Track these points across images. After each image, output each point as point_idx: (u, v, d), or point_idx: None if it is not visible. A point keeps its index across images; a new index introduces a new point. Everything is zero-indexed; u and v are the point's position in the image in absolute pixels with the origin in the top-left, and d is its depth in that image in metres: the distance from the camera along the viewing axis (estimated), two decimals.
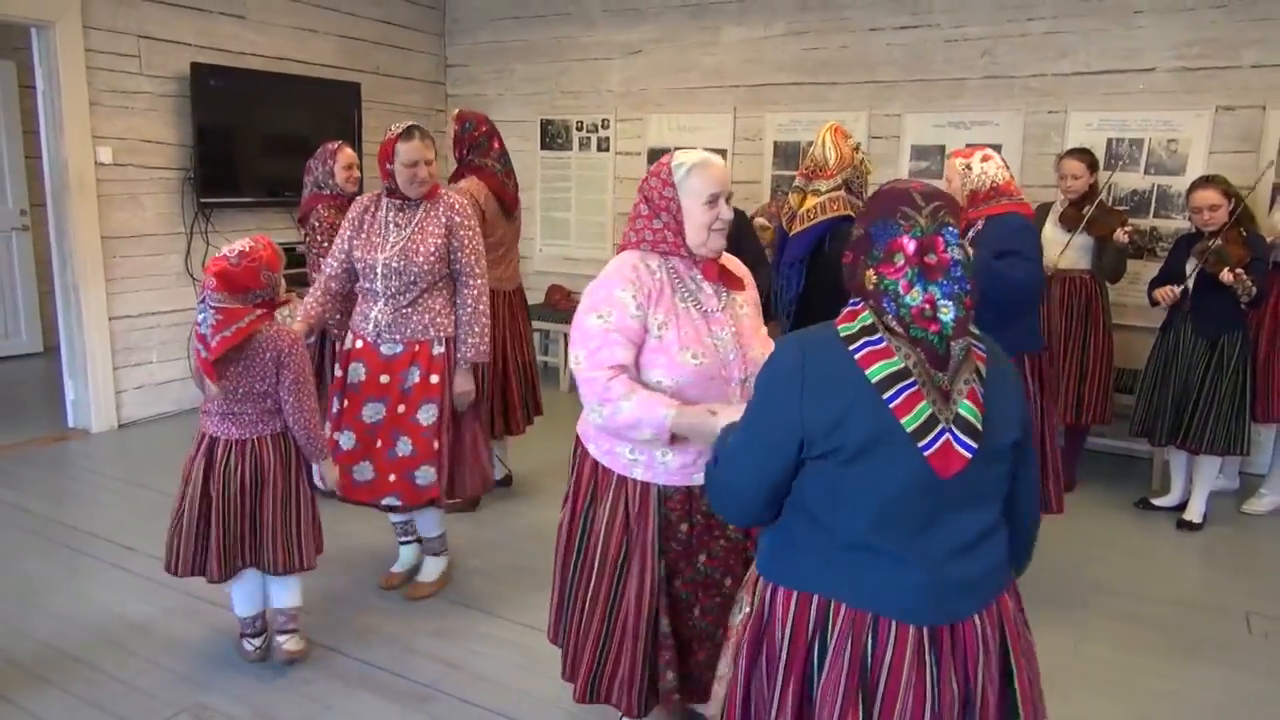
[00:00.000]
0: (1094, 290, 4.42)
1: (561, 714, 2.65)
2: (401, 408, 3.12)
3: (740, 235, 4.73)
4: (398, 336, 3.11)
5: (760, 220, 5.33)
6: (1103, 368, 4.44)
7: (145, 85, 5.25)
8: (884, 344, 1.43)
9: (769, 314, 2.81)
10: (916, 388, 1.41)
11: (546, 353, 6.91)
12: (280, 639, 2.90)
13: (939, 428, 1.41)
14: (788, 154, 5.93)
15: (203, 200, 5.51)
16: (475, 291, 3.18)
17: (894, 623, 1.44)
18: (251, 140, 5.73)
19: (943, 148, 5.41)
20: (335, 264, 3.20)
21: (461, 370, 3.17)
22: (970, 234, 3.28)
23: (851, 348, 1.44)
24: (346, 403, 3.15)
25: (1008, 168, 3.33)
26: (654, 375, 1.99)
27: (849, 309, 1.51)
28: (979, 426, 1.42)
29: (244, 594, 2.86)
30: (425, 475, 3.14)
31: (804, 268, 3.31)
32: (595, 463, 2.14)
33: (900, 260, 1.43)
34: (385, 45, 6.69)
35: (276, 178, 5.82)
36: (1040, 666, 1.63)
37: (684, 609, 2.12)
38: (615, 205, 6.62)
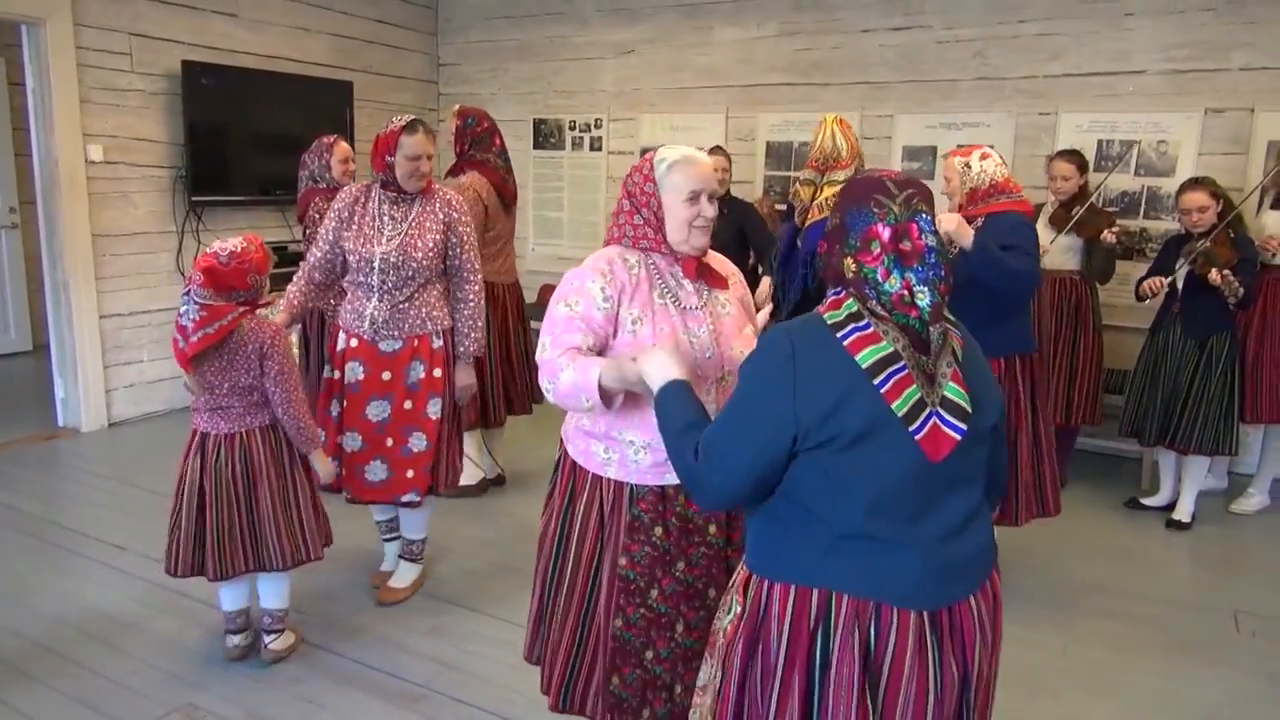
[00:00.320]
0: (1084, 291, 4.45)
1: (554, 714, 2.65)
2: (409, 404, 3.12)
3: (747, 227, 4.77)
4: (396, 332, 3.09)
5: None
6: (1092, 368, 4.46)
7: (136, 83, 5.23)
8: (872, 329, 1.44)
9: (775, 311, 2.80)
10: (906, 371, 1.42)
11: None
12: (266, 639, 2.90)
13: (927, 411, 1.43)
14: (780, 154, 5.94)
15: (194, 199, 5.49)
16: (476, 287, 3.21)
17: (896, 610, 1.44)
18: (243, 139, 5.71)
19: (934, 148, 5.43)
20: (319, 254, 3.13)
21: (463, 365, 3.21)
22: None
23: (840, 335, 1.45)
24: (347, 403, 3.11)
25: (1006, 165, 3.35)
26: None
27: (832, 298, 1.52)
28: (967, 408, 1.45)
29: (231, 589, 2.85)
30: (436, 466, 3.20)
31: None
32: (573, 464, 2.11)
33: (877, 248, 1.45)
34: (378, 44, 6.68)
35: (268, 176, 5.80)
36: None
37: (664, 626, 2.00)
38: (608, 205, 6.62)
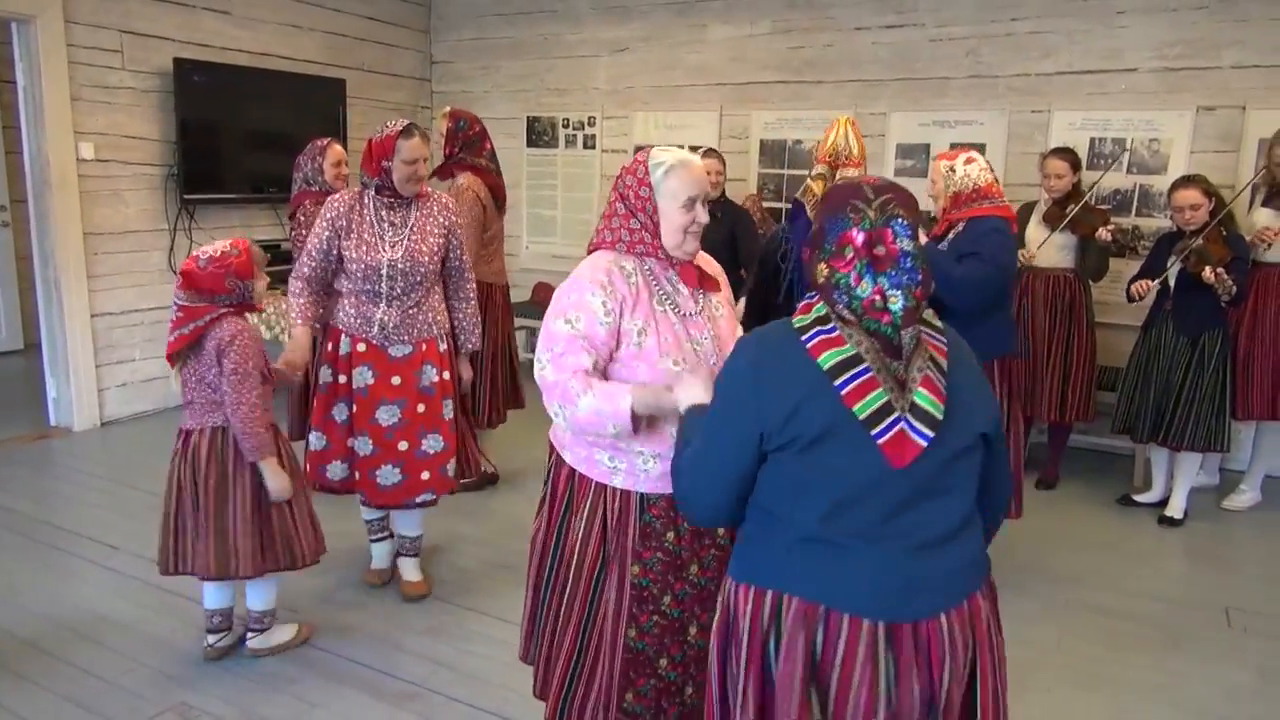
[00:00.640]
0: (1077, 289, 4.46)
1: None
2: (422, 407, 3.14)
3: (738, 231, 4.76)
4: (406, 337, 3.11)
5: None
6: (1086, 365, 4.47)
7: (128, 80, 5.21)
8: (836, 333, 1.44)
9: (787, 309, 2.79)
10: (870, 375, 1.41)
11: (532, 350, 6.89)
12: (248, 636, 2.91)
13: (894, 416, 1.41)
14: (774, 152, 5.95)
15: (186, 197, 5.46)
16: (472, 284, 3.37)
17: (846, 617, 1.42)
18: (235, 136, 5.69)
19: (928, 146, 5.44)
20: (314, 265, 3.09)
21: (463, 359, 3.39)
22: (952, 235, 3.31)
23: (804, 338, 1.46)
24: (356, 408, 3.11)
25: (992, 170, 3.37)
26: (638, 381, 1.93)
27: (804, 302, 1.53)
28: (938, 416, 1.41)
29: (213, 587, 2.84)
30: (452, 466, 3.25)
31: None
32: (571, 470, 2.06)
33: (850, 253, 1.44)
34: (370, 42, 6.67)
35: (261, 174, 5.78)
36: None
37: (677, 631, 1.99)
38: (601, 203, 6.62)
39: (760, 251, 3.73)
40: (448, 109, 4.12)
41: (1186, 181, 4.04)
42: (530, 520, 2.21)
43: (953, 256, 3.18)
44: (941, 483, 1.46)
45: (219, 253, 2.61)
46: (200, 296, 2.60)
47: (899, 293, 1.42)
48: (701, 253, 2.09)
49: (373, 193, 3.09)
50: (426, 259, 3.09)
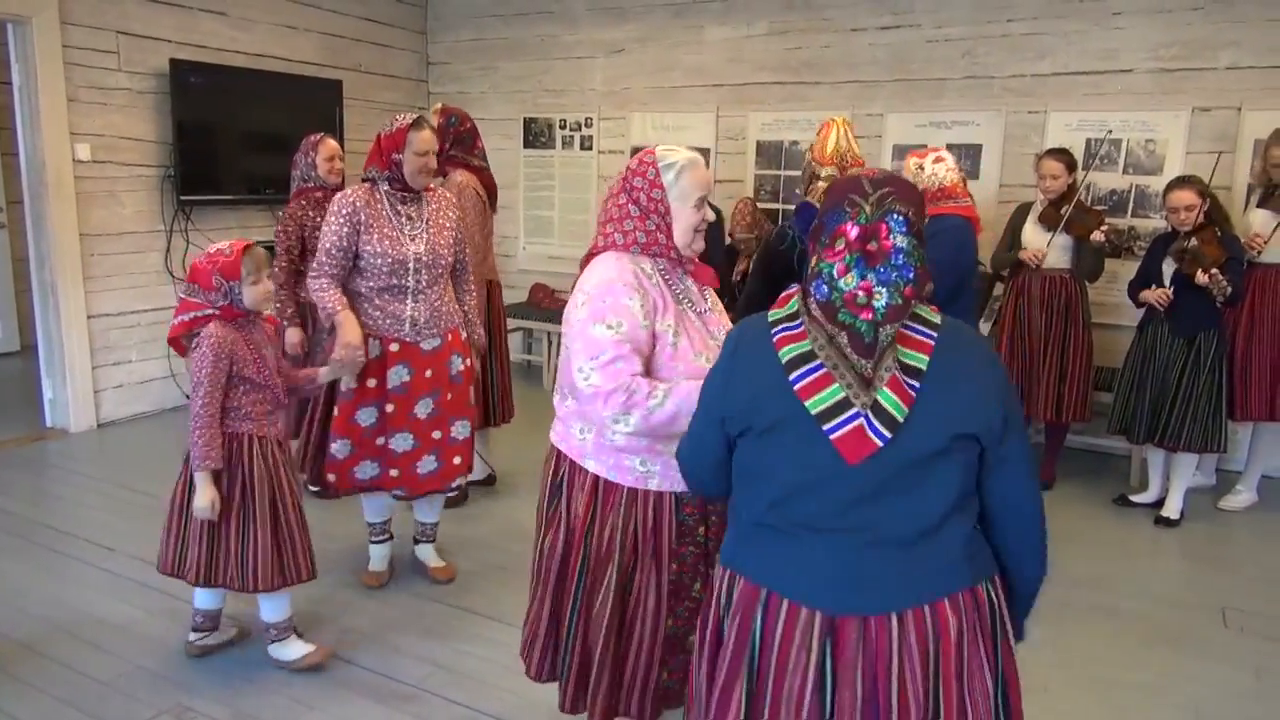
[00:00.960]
0: (1074, 289, 4.46)
1: (548, 713, 2.65)
2: (451, 395, 3.23)
3: (712, 240, 4.74)
4: (435, 330, 3.16)
5: (742, 235, 5.32)
6: (1082, 366, 4.48)
7: (124, 82, 5.20)
8: (800, 328, 1.46)
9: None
10: (823, 370, 1.42)
11: (530, 351, 6.90)
12: (270, 647, 2.88)
13: (851, 411, 1.40)
14: (771, 153, 5.95)
15: (183, 198, 5.46)
16: (472, 278, 3.43)
17: (785, 602, 1.46)
18: (232, 138, 5.68)
19: (924, 147, 5.43)
20: (335, 263, 3.01)
21: (473, 353, 3.44)
22: None
23: (773, 331, 1.49)
24: (394, 407, 3.11)
25: (960, 170, 3.45)
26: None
27: (785, 293, 1.54)
28: (898, 417, 1.39)
29: (203, 589, 2.82)
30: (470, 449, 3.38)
31: None
32: (595, 480, 2.02)
33: (841, 245, 1.44)
34: (367, 42, 6.66)
35: (258, 175, 5.78)
36: (1018, 660, 1.55)
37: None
38: (599, 204, 6.60)
39: (763, 252, 3.71)
40: (438, 106, 4.12)
41: (1181, 182, 4.05)
42: (529, 522, 2.20)
43: None
44: (908, 482, 1.42)
45: (214, 250, 2.62)
46: (193, 290, 2.61)
47: (885, 290, 1.41)
48: None
49: (386, 187, 3.07)
50: (445, 251, 3.15)
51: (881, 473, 1.41)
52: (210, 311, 2.61)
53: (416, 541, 3.52)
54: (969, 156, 5.36)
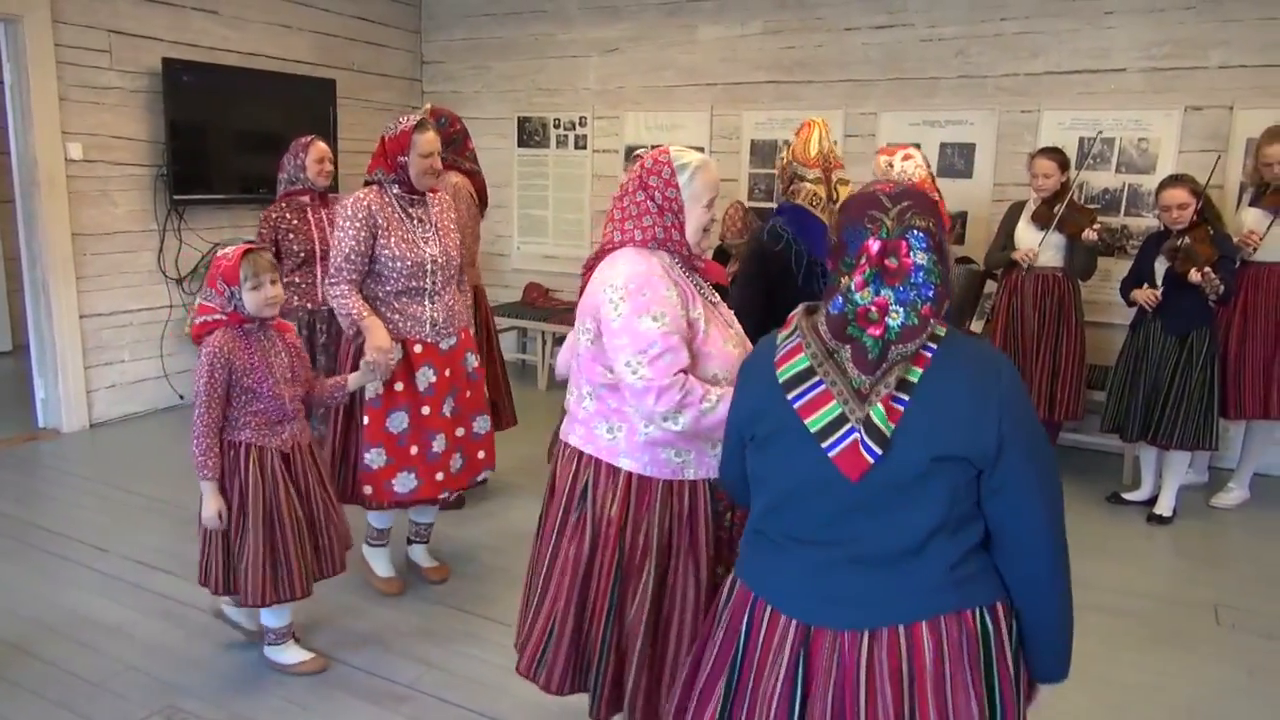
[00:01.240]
0: (1067, 288, 4.48)
1: (542, 713, 2.65)
2: (469, 392, 3.28)
3: None
4: (451, 329, 3.20)
5: (733, 240, 5.30)
6: (1075, 364, 4.49)
7: (116, 80, 5.18)
8: (797, 342, 1.47)
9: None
10: (824, 388, 1.42)
11: (525, 351, 6.89)
12: (266, 650, 2.88)
13: (847, 428, 1.40)
14: (764, 152, 5.95)
15: (176, 197, 5.44)
16: (466, 279, 3.45)
17: (769, 608, 1.51)
18: (225, 137, 5.67)
19: (918, 146, 5.43)
20: (354, 267, 3.00)
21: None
22: None
23: (779, 346, 1.51)
24: (429, 410, 3.13)
25: (928, 168, 3.48)
26: (710, 369, 1.97)
27: (795, 311, 1.56)
28: (886, 433, 1.37)
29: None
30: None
31: None
32: (630, 478, 2.00)
33: (863, 260, 1.42)
34: (361, 42, 6.65)
35: (250, 175, 5.75)
36: (1017, 699, 1.49)
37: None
38: (593, 203, 6.62)
39: (756, 253, 3.66)
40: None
41: (1174, 181, 4.06)
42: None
43: None
44: (893, 500, 1.40)
45: (222, 254, 2.60)
46: (208, 295, 2.61)
47: (902, 309, 1.39)
48: None
49: (395, 190, 3.08)
50: (454, 250, 3.19)
51: (866, 489, 1.40)
52: (219, 316, 2.59)
53: (410, 542, 3.53)
54: (962, 155, 5.37)
